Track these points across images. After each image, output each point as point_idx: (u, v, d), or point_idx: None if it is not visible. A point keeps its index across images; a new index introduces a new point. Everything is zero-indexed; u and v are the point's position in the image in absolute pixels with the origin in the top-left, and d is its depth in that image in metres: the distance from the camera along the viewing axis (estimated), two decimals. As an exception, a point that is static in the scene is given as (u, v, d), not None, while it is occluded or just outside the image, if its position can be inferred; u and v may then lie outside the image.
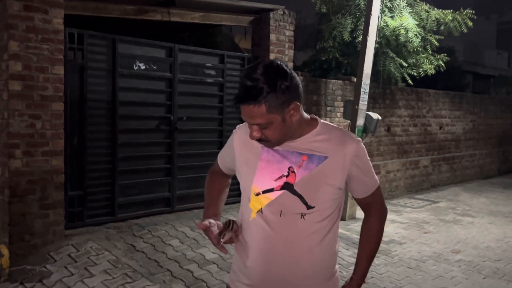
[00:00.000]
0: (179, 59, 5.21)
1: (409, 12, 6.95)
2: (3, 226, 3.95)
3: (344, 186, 1.60)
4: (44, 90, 4.01)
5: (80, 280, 3.62)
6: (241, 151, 1.66)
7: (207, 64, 5.55)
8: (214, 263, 4.17)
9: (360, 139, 1.62)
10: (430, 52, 7.42)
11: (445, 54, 7.71)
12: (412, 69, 7.38)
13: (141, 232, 4.54)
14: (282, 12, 5.84)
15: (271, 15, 5.74)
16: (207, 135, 5.64)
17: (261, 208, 1.56)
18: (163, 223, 4.86)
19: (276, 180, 1.56)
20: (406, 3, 7.10)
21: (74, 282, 3.60)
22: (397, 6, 6.96)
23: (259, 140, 1.52)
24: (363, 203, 1.69)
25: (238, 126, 1.73)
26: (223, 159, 1.79)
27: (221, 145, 5.68)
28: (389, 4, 6.97)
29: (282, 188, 1.55)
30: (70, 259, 3.88)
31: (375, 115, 6.05)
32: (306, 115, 1.59)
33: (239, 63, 5.85)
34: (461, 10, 7.48)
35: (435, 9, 7.42)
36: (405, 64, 7.23)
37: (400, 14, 6.87)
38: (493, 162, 10.97)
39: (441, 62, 7.45)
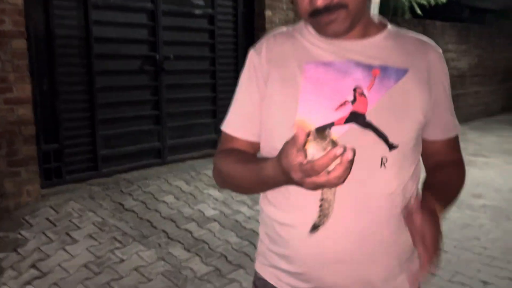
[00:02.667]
0: (161, -13, 4.45)
1: None
2: (-35, 188, 3.36)
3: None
4: (0, 24, 3.30)
5: (61, 248, 3.10)
6: (270, 73, 1.06)
7: (194, -7, 4.80)
8: (215, 221, 3.67)
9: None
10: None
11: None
12: (422, -3, 6.66)
13: (130, 188, 3.99)
14: None
15: None
16: (199, 76, 4.98)
17: None
18: (155, 177, 4.30)
19: (336, 109, 0.99)
20: None
21: (55, 250, 3.07)
22: None
23: (327, 9, 0.95)
24: (435, 155, 1.15)
25: (253, 46, 1.12)
26: (244, 119, 1.10)
27: (214, 88, 5.03)
28: None
29: (348, 120, 0.98)
30: (49, 223, 3.33)
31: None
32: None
33: (231, -8, 5.10)
34: None
35: None
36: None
37: None
38: (498, 99, 10.49)
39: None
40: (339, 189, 0.93)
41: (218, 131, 5.16)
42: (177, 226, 3.53)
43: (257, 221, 1.21)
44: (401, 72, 1.01)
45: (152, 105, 4.60)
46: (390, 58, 1.03)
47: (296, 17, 5.41)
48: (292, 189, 0.94)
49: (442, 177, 1.10)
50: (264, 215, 1.12)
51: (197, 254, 3.21)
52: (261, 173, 0.93)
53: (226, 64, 5.13)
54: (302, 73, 1.02)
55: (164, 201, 3.86)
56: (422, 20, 7.62)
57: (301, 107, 1.00)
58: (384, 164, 0.98)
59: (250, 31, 5.25)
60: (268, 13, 5.14)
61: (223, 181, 1.12)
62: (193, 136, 4.88)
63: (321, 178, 0.76)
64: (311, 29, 1.06)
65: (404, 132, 1.00)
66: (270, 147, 1.06)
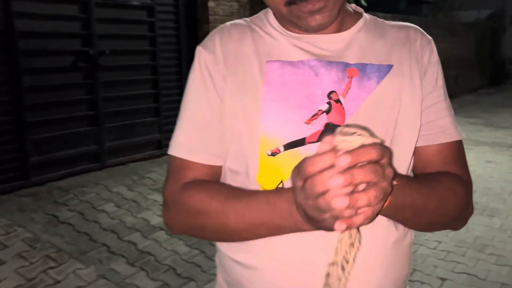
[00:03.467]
0: (93, -24, 4.08)
1: None
2: None
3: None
4: None
5: (-15, 271, 2.73)
6: (234, 79, 0.83)
7: (130, -17, 4.46)
8: (161, 229, 3.40)
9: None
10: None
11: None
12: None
13: (65, 198, 3.64)
14: None
15: None
16: (138, 72, 4.65)
17: (283, 181, 0.78)
18: (93, 183, 3.96)
19: (308, 122, 0.78)
20: None
21: (-23, 274, 2.70)
22: None
23: None
24: (426, 167, 0.85)
25: (202, 43, 0.88)
26: (203, 136, 0.84)
27: (156, 84, 4.72)
28: None
29: (323, 135, 0.78)
30: (-30, 243, 2.94)
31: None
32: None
33: (171, -18, 4.79)
34: None
35: None
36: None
37: None
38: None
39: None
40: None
41: (162, 131, 4.93)
42: (119, 238, 3.23)
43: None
44: (385, 69, 0.82)
45: (87, 105, 4.23)
46: (370, 53, 0.83)
47: (241, 9, 5.19)
48: None
49: (426, 179, 0.81)
50: (222, 255, 0.89)
51: (142, 269, 2.94)
52: (274, 213, 0.70)
53: (168, 58, 4.83)
54: (263, 75, 0.81)
55: (104, 211, 3.54)
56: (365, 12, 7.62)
57: (264, 119, 0.79)
58: None
59: (193, 23, 4.97)
60: (211, 4, 4.89)
61: (197, 226, 0.80)
62: (134, 136, 4.55)
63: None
64: (273, 21, 0.86)
65: (394, 145, 0.81)
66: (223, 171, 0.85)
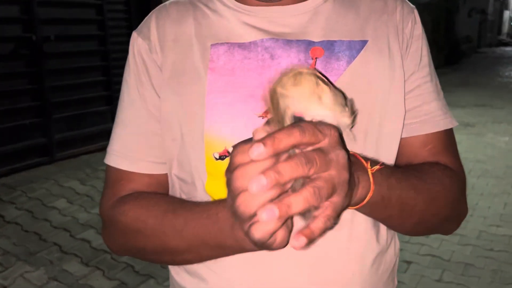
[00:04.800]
0: (32, -45, 3.79)
1: None
2: None
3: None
4: None
5: None
6: (173, 67, 0.68)
7: (74, -37, 4.17)
8: (117, 225, 3.23)
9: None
10: None
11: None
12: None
13: (12, 195, 3.41)
14: None
15: None
16: (87, 59, 4.41)
17: None
18: (43, 178, 3.73)
19: (263, 114, 0.64)
20: None
21: None
22: None
23: None
24: (412, 158, 0.72)
25: (137, 29, 0.73)
26: (142, 142, 0.71)
27: (107, 71, 4.48)
28: None
29: None
30: None
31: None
32: None
33: (119, -39, 4.53)
34: None
35: None
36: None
37: None
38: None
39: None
40: None
41: (116, 120, 4.66)
42: (72, 236, 3.04)
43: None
44: (357, 46, 0.68)
45: (32, 95, 3.97)
46: (338, 27, 0.69)
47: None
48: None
49: (414, 169, 0.67)
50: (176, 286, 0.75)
51: (97, 268, 2.77)
52: (214, 227, 0.58)
53: (119, 43, 4.58)
54: (207, 62, 0.67)
55: (54, 207, 3.34)
56: None
57: (210, 116, 0.65)
58: None
59: (145, 5, 4.73)
60: (163, -15, 4.66)
61: (136, 247, 0.68)
62: (85, 127, 4.32)
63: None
64: None
65: (371, 138, 0.67)
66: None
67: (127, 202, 0.68)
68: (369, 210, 0.59)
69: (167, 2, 0.74)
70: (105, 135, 4.44)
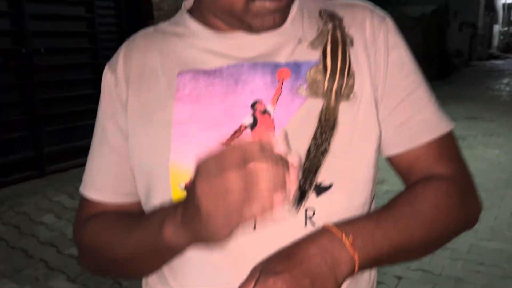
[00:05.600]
0: (24, -32, 3.79)
1: None
2: None
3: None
4: None
5: None
6: (130, 97, 0.69)
7: (66, -24, 4.18)
8: (106, 240, 3.19)
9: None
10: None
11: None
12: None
13: (-1, 210, 3.35)
14: None
15: None
16: (78, 72, 4.39)
17: None
18: (31, 193, 3.68)
19: (227, 141, 0.63)
20: None
21: None
22: None
23: None
24: (413, 172, 0.69)
25: (110, 61, 0.75)
26: (108, 174, 0.73)
27: (97, 84, 4.45)
28: None
29: None
30: None
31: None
32: None
33: (111, -25, 4.54)
34: None
35: None
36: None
37: None
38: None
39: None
40: (241, 265, 0.58)
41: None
42: (59, 252, 2.99)
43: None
44: None
45: (22, 108, 3.94)
46: (305, 47, 0.67)
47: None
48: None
49: (403, 203, 0.64)
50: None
51: (84, 285, 2.72)
52: (146, 230, 0.60)
53: (110, 56, 4.53)
54: (174, 91, 0.66)
55: (42, 222, 3.29)
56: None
57: (175, 146, 0.64)
58: (310, 219, 0.63)
59: (136, 18, 4.73)
60: (155, -1, 4.68)
61: (101, 264, 0.71)
62: (76, 140, 4.28)
63: None
64: (191, 22, 0.70)
65: (342, 163, 0.65)
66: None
67: (90, 223, 0.71)
68: (364, 268, 0.58)
69: (137, 34, 0.75)
70: (96, 148, 4.43)
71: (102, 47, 4.47)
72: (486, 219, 3.53)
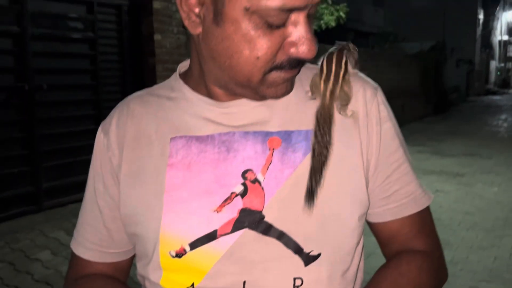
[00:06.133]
0: (29, 7, 3.88)
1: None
2: None
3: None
4: None
5: None
6: (124, 162, 0.71)
7: (70, 15, 4.27)
8: (101, 278, 3.15)
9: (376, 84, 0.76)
10: (330, 2, 6.84)
11: (345, 4, 7.19)
12: (313, 22, 6.77)
13: (-6, 246, 3.32)
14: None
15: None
16: (79, 108, 4.43)
17: (193, 284, 0.65)
18: (28, 228, 3.66)
19: (218, 209, 0.65)
20: None
21: None
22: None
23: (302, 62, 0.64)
24: (392, 242, 0.73)
25: (104, 122, 0.77)
26: (96, 234, 0.75)
27: (97, 120, 4.50)
28: None
29: (237, 225, 0.64)
30: None
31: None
32: None
33: (114, 14, 4.64)
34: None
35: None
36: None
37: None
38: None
39: (341, 14, 6.93)
40: None
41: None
42: (54, 291, 2.95)
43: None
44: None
45: (22, 144, 3.96)
46: (297, 116, 0.69)
47: (189, 41, 5.10)
48: None
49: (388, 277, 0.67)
50: None
51: (78, 325, 2.68)
52: None
53: (112, 92, 4.64)
54: (167, 158, 0.68)
55: (38, 259, 3.25)
56: (314, 44, 7.75)
57: (167, 213, 0.65)
58: (299, 286, 0.64)
59: (138, 56, 4.82)
60: (157, 37, 4.76)
61: None
62: (74, 175, 4.28)
63: None
64: (186, 88, 0.72)
65: (327, 232, 0.66)
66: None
67: (76, 285, 0.74)
68: None
69: (131, 97, 0.76)
70: (94, 183, 4.43)
71: (103, 83, 4.54)
72: (485, 260, 3.50)
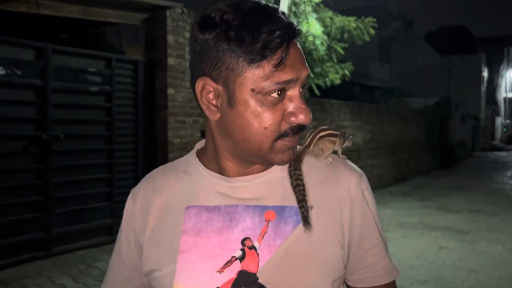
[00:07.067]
0: (53, 63, 4.14)
1: (315, 18, 6.58)
2: None
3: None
4: None
5: None
6: (147, 226, 0.86)
7: (90, 69, 4.53)
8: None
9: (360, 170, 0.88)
10: (336, 60, 7.13)
11: (350, 62, 7.49)
12: (318, 79, 7.02)
13: (3, 291, 3.38)
14: (180, 11, 5.04)
15: (168, 13, 4.91)
16: (92, 156, 4.61)
17: None
18: (36, 274, 3.72)
19: (221, 270, 0.78)
20: (312, 8, 6.73)
21: None
22: (302, 11, 6.55)
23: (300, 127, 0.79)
24: None
25: (134, 189, 0.92)
26: (123, 281, 0.90)
27: (110, 168, 4.67)
28: (293, 9, 6.53)
29: (236, 284, 0.78)
30: None
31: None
32: None
33: (131, 69, 4.91)
34: (363, 18, 7.33)
35: (339, 15, 7.16)
36: (312, 75, 6.84)
37: (306, 20, 6.46)
38: (390, 171, 11.19)
39: (346, 72, 7.20)
40: None
41: (114, 216, 4.81)
42: (59, 338, 2.99)
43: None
44: None
45: (36, 190, 4.10)
46: (291, 194, 0.81)
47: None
48: None
49: None
50: None
51: None
52: None
53: (125, 142, 4.83)
54: (182, 224, 0.83)
55: (44, 306, 3.31)
56: (319, 99, 7.98)
57: (179, 271, 0.79)
58: None
59: (151, 108, 5.04)
60: (170, 91, 5.00)
61: None
62: (84, 222, 4.40)
63: None
64: (201, 166, 0.86)
65: None
66: None
67: None
68: None
69: (156, 171, 0.92)
70: (103, 231, 4.52)
71: (117, 133, 4.73)
72: (487, 320, 3.50)
